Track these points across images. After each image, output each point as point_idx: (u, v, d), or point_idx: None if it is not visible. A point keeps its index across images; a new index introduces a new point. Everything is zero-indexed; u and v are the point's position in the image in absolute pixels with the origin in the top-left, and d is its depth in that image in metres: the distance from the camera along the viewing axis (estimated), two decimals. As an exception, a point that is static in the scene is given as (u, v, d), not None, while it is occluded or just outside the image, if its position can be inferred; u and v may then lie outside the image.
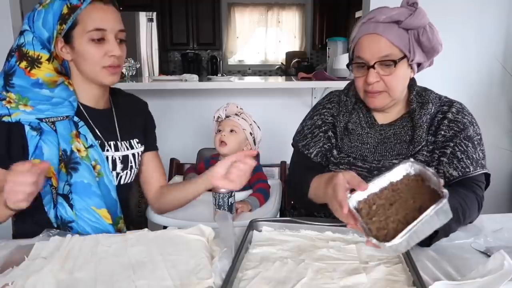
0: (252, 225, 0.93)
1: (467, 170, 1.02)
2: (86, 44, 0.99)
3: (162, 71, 5.10)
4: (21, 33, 1.01)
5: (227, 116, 1.58)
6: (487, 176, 1.06)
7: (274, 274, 0.76)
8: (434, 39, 1.02)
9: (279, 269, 0.78)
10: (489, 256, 0.84)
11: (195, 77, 2.66)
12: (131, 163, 1.14)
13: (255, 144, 1.60)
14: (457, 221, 0.90)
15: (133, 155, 1.15)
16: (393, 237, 0.65)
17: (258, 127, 1.61)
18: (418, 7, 1.01)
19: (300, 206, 1.29)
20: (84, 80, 1.05)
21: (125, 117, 1.16)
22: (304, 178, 1.08)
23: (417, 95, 1.12)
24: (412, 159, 0.77)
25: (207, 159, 1.65)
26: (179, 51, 5.97)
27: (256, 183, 1.47)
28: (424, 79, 1.20)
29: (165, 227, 1.24)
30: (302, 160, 1.19)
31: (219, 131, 1.55)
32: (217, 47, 6.06)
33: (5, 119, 0.97)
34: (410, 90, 1.12)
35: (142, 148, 1.19)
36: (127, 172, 1.14)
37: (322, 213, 1.14)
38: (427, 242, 0.88)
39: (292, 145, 1.25)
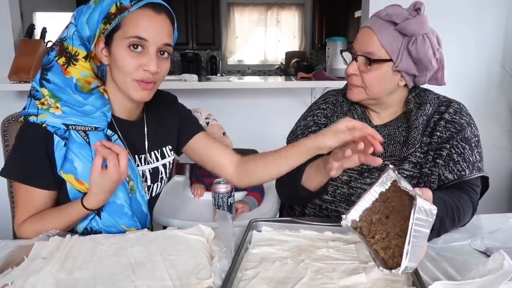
0: (251, 225, 0.93)
1: (463, 173, 1.00)
2: (123, 50, 0.91)
3: (162, 71, 5.09)
4: (67, 25, 0.95)
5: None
6: (485, 179, 1.04)
7: (273, 274, 0.76)
8: (422, 51, 0.99)
9: (278, 269, 0.78)
10: (488, 256, 0.84)
11: (195, 77, 2.65)
12: (161, 174, 1.09)
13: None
14: (451, 220, 0.89)
15: (164, 165, 1.10)
16: (399, 254, 0.64)
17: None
18: (420, 13, 0.99)
19: (290, 201, 1.25)
20: (117, 89, 0.98)
21: (157, 125, 1.10)
22: (296, 171, 1.04)
23: (416, 96, 1.10)
24: (391, 166, 0.74)
25: (194, 170, 1.66)
26: (178, 51, 5.96)
27: None
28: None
29: (165, 227, 1.24)
30: None
31: None
32: (216, 47, 6.06)
33: (31, 118, 0.92)
34: (410, 91, 1.11)
35: (173, 157, 1.13)
36: (158, 184, 1.10)
37: (312, 209, 1.13)
38: None
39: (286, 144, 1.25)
